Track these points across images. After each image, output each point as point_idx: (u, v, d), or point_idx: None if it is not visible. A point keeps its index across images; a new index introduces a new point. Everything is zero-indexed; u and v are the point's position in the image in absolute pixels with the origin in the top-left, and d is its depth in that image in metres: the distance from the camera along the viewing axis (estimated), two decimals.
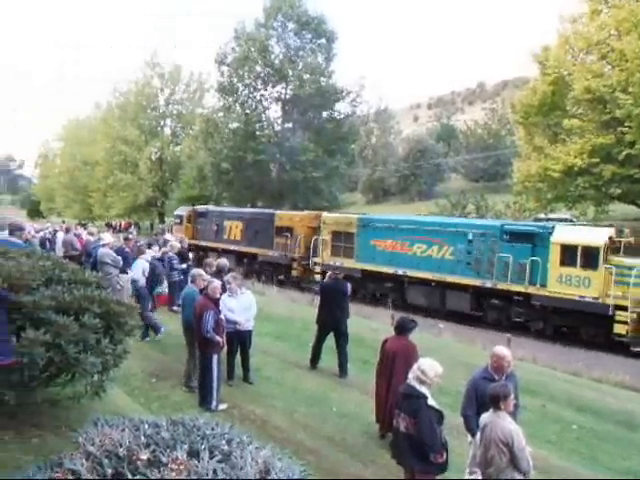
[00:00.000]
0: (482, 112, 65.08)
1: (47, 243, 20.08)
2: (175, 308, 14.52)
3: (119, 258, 12.09)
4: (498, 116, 58.70)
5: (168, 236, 18.62)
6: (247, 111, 40.47)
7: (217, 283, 8.44)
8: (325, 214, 24.29)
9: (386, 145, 65.71)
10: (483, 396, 5.45)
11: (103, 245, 12.25)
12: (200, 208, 33.41)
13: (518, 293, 17.22)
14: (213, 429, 3.16)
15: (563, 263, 16.16)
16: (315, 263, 23.38)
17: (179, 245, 15.41)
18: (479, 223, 20.11)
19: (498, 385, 5.18)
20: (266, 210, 30.18)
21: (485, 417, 5.03)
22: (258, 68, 40.07)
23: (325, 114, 40.74)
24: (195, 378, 8.61)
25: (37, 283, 4.99)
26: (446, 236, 19.06)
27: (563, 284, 16.15)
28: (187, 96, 53.71)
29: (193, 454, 2.81)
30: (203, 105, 50.69)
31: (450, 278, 18.59)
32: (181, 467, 2.67)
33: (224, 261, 10.84)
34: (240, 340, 9.34)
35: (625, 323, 15.09)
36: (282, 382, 9.81)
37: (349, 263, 21.73)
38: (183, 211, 34.41)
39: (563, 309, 16.41)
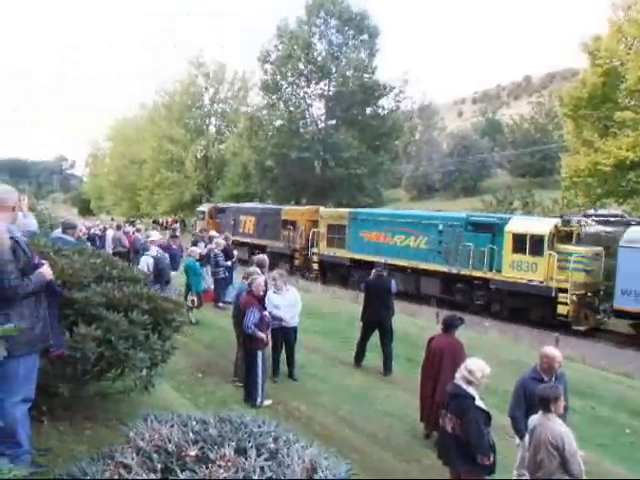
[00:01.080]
0: (528, 106, 63.71)
1: (96, 240, 20.61)
2: (220, 305, 14.72)
3: (166, 255, 12.33)
4: (545, 110, 57.35)
5: (213, 233, 18.85)
6: (291, 108, 40.65)
7: (261, 279, 8.49)
8: (322, 209, 26.81)
9: (430, 141, 65.03)
10: (532, 397, 5.34)
11: (151, 242, 12.49)
12: (220, 205, 36.83)
13: (479, 278, 19.12)
14: (260, 427, 3.17)
15: (515, 250, 18.01)
16: (313, 253, 25.78)
17: (224, 242, 15.57)
18: (448, 215, 21.95)
19: (548, 387, 5.06)
20: (274, 205, 33.27)
21: (534, 419, 4.92)
22: (301, 65, 40.15)
23: (369, 110, 40.54)
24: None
25: (88, 280, 5.12)
26: (421, 228, 21.23)
27: (515, 269, 18.06)
28: (231, 95, 54.20)
29: (240, 451, 2.82)
30: (247, 103, 51.07)
31: (423, 265, 20.77)
32: (229, 464, 2.68)
33: (264, 257, 10.89)
34: (285, 337, 9.39)
35: (566, 304, 16.85)
36: (327, 379, 9.82)
37: (341, 253, 24.34)
38: (205, 207, 38.30)
39: (516, 292, 18.15)
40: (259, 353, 8.13)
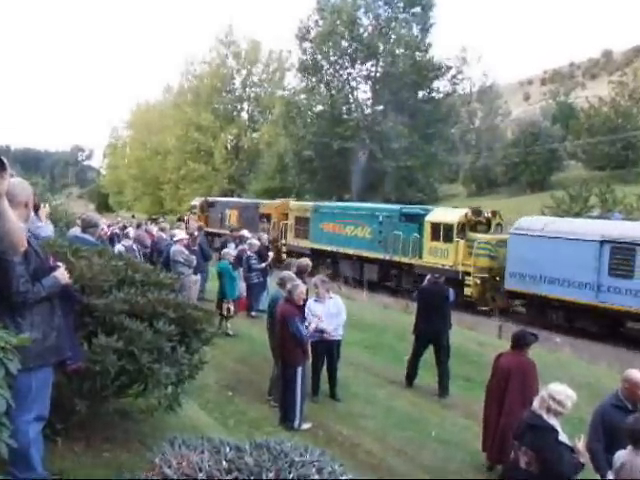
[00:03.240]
0: (608, 86, 62.24)
1: (115, 239, 20.96)
2: (254, 314, 14.79)
3: (193, 257, 12.45)
4: (629, 91, 55.92)
5: (245, 233, 18.93)
6: (332, 92, 40.74)
7: (303, 287, 8.49)
8: (291, 202, 32.38)
9: (492, 128, 64.21)
10: (613, 427, 5.19)
11: (176, 242, 12.60)
12: (210, 199, 41.85)
13: (407, 264, 23.57)
14: (302, 455, 3.13)
15: (432, 238, 22.39)
16: (283, 244, 30.50)
17: (258, 243, 15.61)
18: (387, 208, 26.87)
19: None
20: (254, 200, 39.29)
21: (622, 455, 4.74)
22: (345, 43, 40.17)
23: (421, 94, 40.35)
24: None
25: (109, 285, 5.16)
26: (366, 219, 26.00)
27: (432, 255, 22.39)
28: (266, 77, 54.54)
29: None
30: (283, 86, 51.33)
31: (365, 253, 25.43)
32: None
33: (306, 261, 10.86)
34: (327, 351, 9.36)
35: (470, 286, 20.78)
36: (373, 400, 9.76)
37: (304, 243, 29.03)
38: (197, 202, 42.60)
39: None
40: (298, 369, 8.12)
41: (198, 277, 13.06)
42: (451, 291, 10.65)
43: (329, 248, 27.28)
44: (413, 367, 10.60)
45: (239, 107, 55.98)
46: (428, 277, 10.93)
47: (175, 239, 12.75)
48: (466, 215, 21.76)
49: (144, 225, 22.35)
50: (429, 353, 10.41)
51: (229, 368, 10.77)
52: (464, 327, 16.01)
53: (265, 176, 49.01)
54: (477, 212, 22.27)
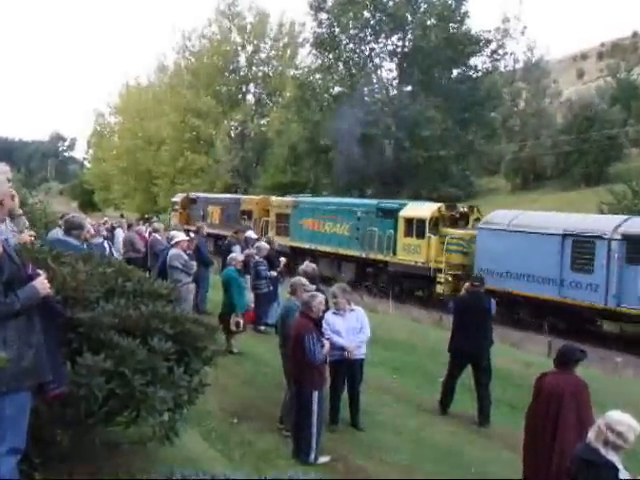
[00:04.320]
0: None
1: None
2: (262, 328, 14.79)
3: (193, 263, 12.49)
4: None
5: (251, 233, 18.97)
6: (353, 71, 40.71)
7: (321, 297, 8.46)
8: (273, 198, 35.06)
9: (540, 112, 63.81)
10: None
11: (174, 245, 12.63)
12: (192, 195, 44.62)
13: (382, 261, 25.78)
14: None
15: (406, 234, 24.59)
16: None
17: (268, 247, 15.62)
18: (365, 202, 29.43)
19: None
20: (235, 195, 42.93)
21: None
22: (367, 14, 40.16)
23: (456, 72, 40.21)
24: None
25: (96, 295, 5.17)
26: (345, 215, 28.32)
27: (406, 252, 24.57)
28: (275, 54, 54.45)
29: None
30: (296, 65, 51.32)
31: (343, 250, 27.78)
32: None
33: (312, 266, 10.83)
34: (348, 372, 9.33)
35: (441, 283, 23.01)
36: (402, 429, 9.72)
37: (284, 241, 29.98)
38: (179, 198, 45.35)
39: (407, 273, 24.94)
40: (314, 393, 8.10)
41: (193, 286, 13.05)
42: (492, 302, 10.59)
43: (308, 246, 29.72)
44: (448, 391, 10.53)
45: (244, 89, 56.00)
46: (466, 285, 10.85)
47: (173, 242, 12.76)
48: (439, 210, 24.29)
49: (136, 226, 22.39)
50: (467, 375, 10.35)
51: (234, 392, 10.77)
52: (507, 344, 15.93)
53: (275, 169, 48.94)
54: (451, 207, 25.13)
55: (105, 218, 42.23)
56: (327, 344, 8.38)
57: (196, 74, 54.91)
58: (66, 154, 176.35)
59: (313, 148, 40.87)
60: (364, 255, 26.57)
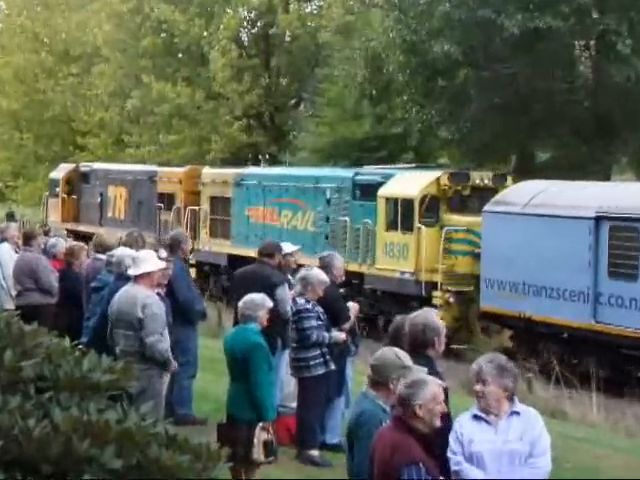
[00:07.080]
0: None
1: None
2: (315, 454, 11.34)
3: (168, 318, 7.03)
4: None
5: (291, 248, 10.28)
6: None
7: (438, 387, 3.69)
8: (205, 170, 22.80)
9: None
10: None
11: (136, 278, 6.80)
12: (83, 168, 28.69)
13: (356, 275, 16.44)
14: None
15: (388, 226, 16.08)
16: (191, 251, 17.17)
17: (324, 279, 7.24)
18: (337, 174, 19.29)
19: None
20: (148, 167, 26.67)
21: None
22: None
23: None
24: None
25: None
26: (309, 196, 18.73)
27: (388, 256, 16.07)
28: None
29: None
30: None
31: (305, 260, 13.58)
32: None
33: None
34: None
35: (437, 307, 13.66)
36: None
37: (219, 247, 20.83)
38: (62, 172, 29.21)
39: (388, 292, 16.22)
40: None
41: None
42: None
43: (254, 254, 17.53)
44: None
45: None
46: None
47: (134, 271, 6.82)
48: (438, 182, 15.64)
49: (41, 238, 11.94)
50: None
51: None
52: (547, 414, 12.84)
53: (340, 108, 27.17)
54: (461, 176, 16.11)
55: None
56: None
57: None
58: None
59: (420, 65, 22.53)
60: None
